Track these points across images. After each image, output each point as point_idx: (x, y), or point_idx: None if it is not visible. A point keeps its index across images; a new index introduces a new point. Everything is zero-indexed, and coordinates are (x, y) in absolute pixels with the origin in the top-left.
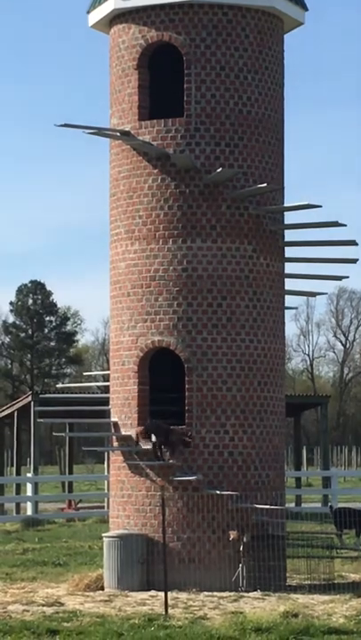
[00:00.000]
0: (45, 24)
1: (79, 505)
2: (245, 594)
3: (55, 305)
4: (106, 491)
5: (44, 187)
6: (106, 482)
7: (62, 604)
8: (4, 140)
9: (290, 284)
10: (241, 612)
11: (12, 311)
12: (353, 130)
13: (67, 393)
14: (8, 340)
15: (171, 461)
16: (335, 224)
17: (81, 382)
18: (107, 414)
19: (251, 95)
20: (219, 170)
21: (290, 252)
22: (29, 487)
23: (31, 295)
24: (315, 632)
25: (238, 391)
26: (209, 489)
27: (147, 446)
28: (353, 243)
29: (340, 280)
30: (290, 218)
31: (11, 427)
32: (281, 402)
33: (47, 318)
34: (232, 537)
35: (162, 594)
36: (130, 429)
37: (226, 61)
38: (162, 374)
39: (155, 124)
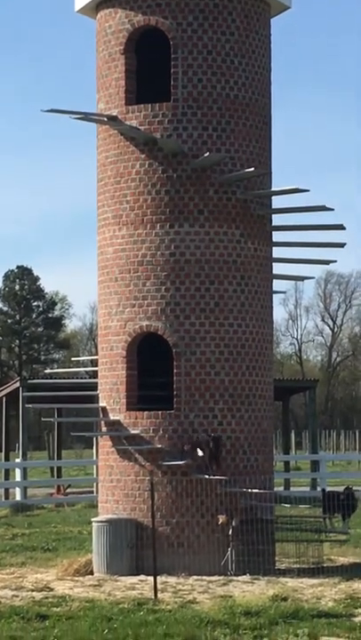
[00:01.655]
0: (32, 9)
1: (68, 490)
2: (234, 578)
3: (42, 290)
4: (95, 476)
5: (30, 172)
6: (95, 467)
7: (52, 589)
8: None
9: (278, 269)
10: (230, 596)
11: None
12: (341, 114)
13: (55, 378)
14: None
15: (219, 477)
16: (323, 208)
17: (69, 368)
18: (95, 399)
19: (238, 79)
20: (206, 154)
21: (278, 236)
22: (18, 472)
23: (18, 281)
24: (304, 615)
25: (227, 375)
26: (197, 473)
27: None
28: (341, 227)
29: (328, 264)
30: (277, 202)
31: None
32: (269, 386)
33: (34, 304)
34: (221, 521)
35: (151, 578)
36: (118, 414)
37: (213, 45)
38: (150, 359)
39: (142, 109)
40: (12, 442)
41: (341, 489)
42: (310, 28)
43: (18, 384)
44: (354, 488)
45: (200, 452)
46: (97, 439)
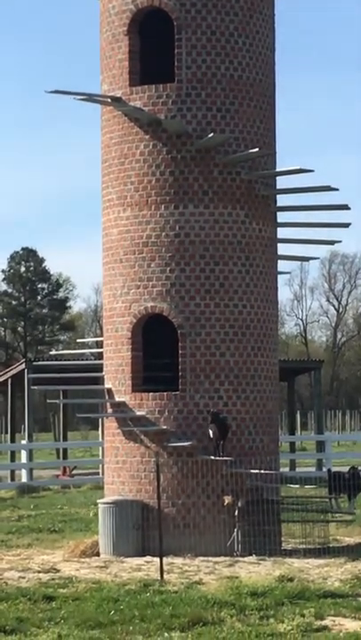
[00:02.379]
0: None
1: (74, 472)
2: (241, 558)
3: (47, 272)
4: (100, 457)
5: (34, 154)
6: (100, 448)
7: (58, 571)
8: None
9: (282, 249)
10: (236, 577)
11: (4, 279)
12: (345, 95)
13: (60, 360)
14: (0, 308)
15: (227, 458)
16: (327, 188)
17: (74, 349)
18: (100, 381)
19: (242, 60)
20: (210, 135)
21: (282, 216)
22: (24, 454)
23: (23, 262)
24: (310, 596)
25: (232, 356)
26: (203, 454)
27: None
28: (345, 207)
29: (333, 244)
30: (282, 183)
31: (5, 394)
32: (274, 367)
33: (39, 285)
34: (227, 502)
35: (157, 559)
36: (123, 396)
37: (216, 26)
38: (155, 340)
39: (146, 90)
40: (18, 423)
41: (347, 469)
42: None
43: (23, 366)
44: (360, 468)
45: (211, 434)
46: (102, 420)
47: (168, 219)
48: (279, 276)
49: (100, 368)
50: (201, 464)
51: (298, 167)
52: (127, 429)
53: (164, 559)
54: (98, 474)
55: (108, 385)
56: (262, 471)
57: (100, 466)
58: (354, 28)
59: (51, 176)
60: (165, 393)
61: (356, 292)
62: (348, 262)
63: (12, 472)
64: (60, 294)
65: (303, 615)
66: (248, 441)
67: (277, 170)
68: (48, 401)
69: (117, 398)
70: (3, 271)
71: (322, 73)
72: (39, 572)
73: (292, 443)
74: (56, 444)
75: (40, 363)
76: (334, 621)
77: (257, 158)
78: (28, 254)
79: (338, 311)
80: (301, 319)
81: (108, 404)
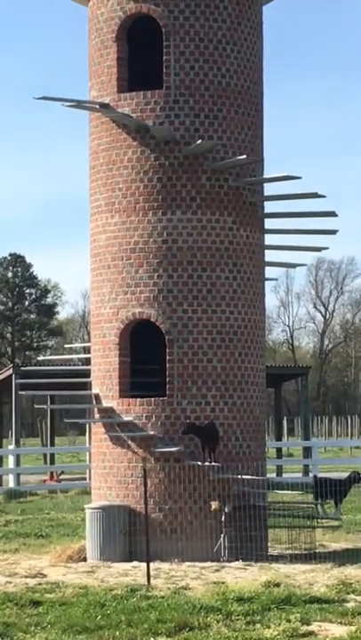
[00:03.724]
0: None
1: (61, 477)
2: (227, 564)
3: (35, 278)
4: (88, 462)
5: (23, 160)
6: (87, 453)
7: (45, 576)
8: None
9: (270, 256)
10: (223, 582)
11: None
12: (333, 101)
13: (48, 365)
14: None
15: (214, 463)
16: (315, 195)
17: (62, 355)
18: (88, 386)
19: (230, 67)
20: (198, 142)
21: (270, 223)
22: (11, 459)
23: (11, 268)
24: (296, 601)
25: (219, 362)
26: (190, 460)
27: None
28: (333, 214)
29: (320, 251)
30: (269, 189)
31: None
32: (261, 373)
33: (27, 291)
34: (213, 507)
35: (144, 564)
36: (111, 401)
37: (205, 33)
38: (143, 346)
39: (134, 97)
40: (6, 429)
41: (333, 475)
42: (303, 13)
43: (11, 371)
44: (346, 475)
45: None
46: (90, 426)
47: (156, 225)
48: (266, 282)
49: (87, 374)
50: (188, 469)
51: (285, 174)
52: (114, 435)
53: (151, 564)
54: (85, 479)
55: (95, 390)
56: (249, 477)
57: (88, 471)
58: (342, 34)
59: (39, 182)
60: (153, 399)
61: (342, 299)
62: (334, 269)
63: (0, 477)
64: (48, 300)
65: (289, 620)
66: (235, 447)
67: (265, 177)
68: (36, 406)
69: (105, 404)
70: None
71: (312, 80)
72: (26, 576)
73: (279, 448)
74: (43, 449)
75: (28, 368)
76: (320, 627)
77: (244, 165)
78: (16, 260)
79: (325, 318)
80: (288, 326)
81: (95, 410)
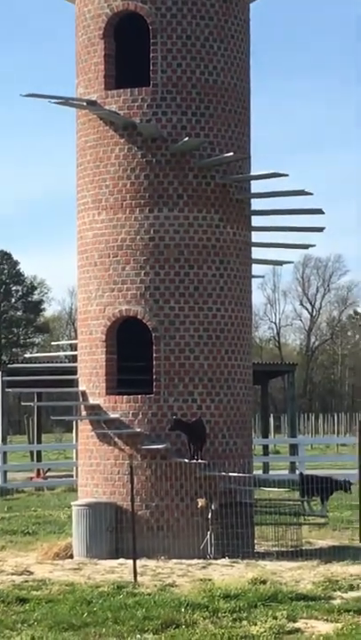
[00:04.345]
0: None
1: (48, 474)
2: (214, 561)
3: (22, 275)
4: (74, 459)
5: (9, 157)
6: (74, 451)
7: (31, 573)
8: None
9: (256, 253)
10: (209, 579)
11: None
12: (320, 100)
13: (35, 362)
14: None
15: (201, 461)
16: (302, 193)
17: (49, 352)
18: (75, 383)
19: (217, 64)
20: (185, 139)
21: (256, 220)
22: None
23: None
24: (283, 598)
25: (206, 359)
26: (177, 457)
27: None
28: (319, 211)
29: (307, 248)
30: (256, 187)
31: None
32: (248, 370)
33: (14, 288)
34: (200, 504)
35: (130, 562)
36: (98, 398)
37: (192, 30)
38: (130, 343)
39: (121, 94)
40: None
41: (319, 472)
42: (289, 12)
43: None
44: (332, 472)
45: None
46: (77, 423)
47: (143, 222)
48: (253, 279)
49: (74, 371)
50: (175, 467)
51: (272, 171)
52: (101, 432)
53: (138, 561)
54: (72, 476)
55: (82, 388)
56: (236, 474)
57: (74, 468)
58: (328, 33)
59: (26, 178)
60: (139, 396)
61: (329, 296)
62: (321, 266)
63: None
64: (35, 297)
65: (276, 617)
66: (222, 444)
67: (252, 174)
68: (22, 403)
69: (92, 401)
70: None
71: (298, 77)
72: (13, 574)
73: (266, 446)
74: (30, 446)
75: (14, 365)
76: (307, 624)
77: (231, 162)
78: (3, 257)
79: (311, 315)
80: (275, 323)
81: (82, 407)
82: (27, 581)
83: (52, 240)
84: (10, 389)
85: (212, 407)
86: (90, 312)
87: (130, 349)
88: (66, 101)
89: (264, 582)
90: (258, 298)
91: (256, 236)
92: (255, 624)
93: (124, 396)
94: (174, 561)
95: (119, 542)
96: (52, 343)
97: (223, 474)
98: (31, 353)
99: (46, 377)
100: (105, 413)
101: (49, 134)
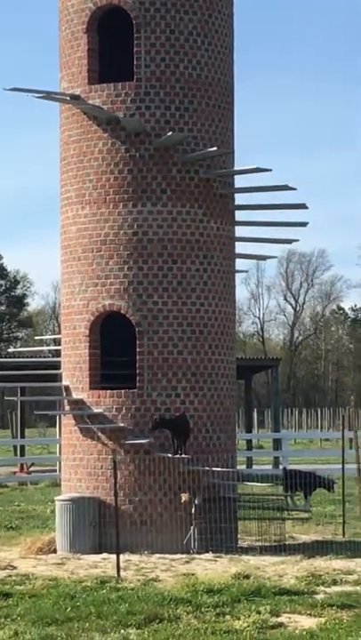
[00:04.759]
0: None
1: (31, 468)
2: (197, 556)
3: (5, 269)
4: (58, 454)
5: None
6: (58, 445)
7: (15, 568)
8: None
9: (240, 248)
10: (193, 574)
11: None
12: (303, 96)
13: (18, 357)
14: None
15: (184, 456)
16: (285, 188)
17: (32, 346)
18: (58, 378)
19: (200, 59)
20: (169, 134)
21: (240, 215)
22: None
23: None
24: (266, 593)
25: (189, 354)
26: (160, 452)
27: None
28: (303, 206)
29: (291, 243)
30: (240, 181)
31: None
32: (232, 365)
33: None
34: (183, 499)
35: (114, 556)
36: (81, 393)
37: (175, 25)
38: (113, 338)
39: (105, 88)
40: None
41: (303, 467)
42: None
43: None
44: (316, 467)
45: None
46: (60, 418)
47: (126, 217)
48: (236, 274)
49: (57, 365)
50: (158, 461)
51: (255, 166)
52: (85, 427)
53: (121, 556)
54: (55, 471)
55: (65, 382)
56: (219, 469)
57: (58, 463)
58: (314, 29)
59: (8, 173)
60: (123, 390)
61: (313, 291)
62: (305, 261)
63: None
64: (18, 291)
65: (259, 612)
66: (205, 438)
67: (235, 169)
68: (6, 398)
69: (75, 396)
70: None
71: (280, 73)
72: None
73: (249, 440)
74: (13, 440)
75: None
76: (290, 618)
77: (215, 157)
78: None
79: (295, 310)
80: (259, 318)
81: (65, 402)
82: (10, 576)
83: (36, 234)
84: None
85: (196, 402)
86: (73, 307)
87: (114, 344)
88: (49, 96)
89: (247, 577)
90: (242, 292)
91: (240, 231)
92: (238, 619)
93: (108, 391)
94: (157, 556)
95: (102, 537)
96: (36, 338)
97: (207, 468)
98: (14, 347)
99: (30, 371)
100: (88, 408)
101: (33, 128)
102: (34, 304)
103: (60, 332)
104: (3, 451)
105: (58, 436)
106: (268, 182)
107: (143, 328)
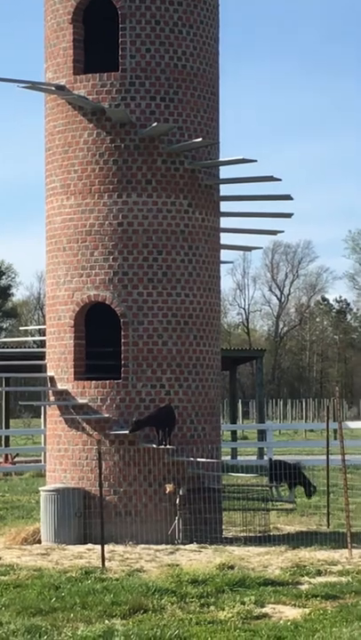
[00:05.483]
0: None
1: (16, 459)
2: (182, 546)
3: None
4: (42, 445)
5: None
6: (42, 436)
7: None
8: None
9: (225, 239)
10: (177, 565)
11: None
12: (290, 85)
13: (2, 347)
14: None
15: (169, 446)
16: (270, 178)
17: (17, 337)
18: (43, 369)
19: (186, 49)
20: (154, 124)
21: (225, 206)
22: None
23: None
24: (250, 583)
25: (174, 345)
26: (145, 442)
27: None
28: (288, 197)
29: (276, 234)
30: (225, 172)
31: None
32: (216, 355)
33: None
34: (168, 490)
35: (98, 547)
36: (66, 384)
37: (161, 15)
38: (98, 329)
39: (90, 79)
40: None
41: (288, 458)
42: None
43: None
44: (300, 458)
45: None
46: (45, 408)
47: (111, 207)
48: (222, 265)
49: (42, 356)
50: (143, 452)
51: (241, 157)
52: (69, 417)
53: (106, 547)
54: (40, 461)
55: (50, 373)
56: (204, 459)
57: (43, 453)
58: (302, 18)
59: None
60: (108, 381)
61: (298, 282)
62: (290, 252)
63: None
64: (3, 282)
65: (244, 603)
66: (190, 429)
67: (221, 159)
68: None
69: (60, 386)
70: None
71: (265, 62)
72: None
73: (234, 431)
74: None
75: None
76: (274, 609)
77: (200, 148)
78: None
79: (280, 301)
80: (244, 308)
81: (50, 392)
82: None
83: (20, 225)
84: None
85: (181, 393)
86: (58, 297)
87: (98, 335)
88: (34, 86)
89: (232, 567)
90: (227, 283)
91: (225, 222)
92: (223, 609)
93: (93, 382)
94: (142, 546)
95: (87, 527)
96: (21, 328)
97: (191, 459)
98: None
99: (14, 362)
100: (73, 399)
101: (18, 118)
102: (18, 294)
103: (44, 323)
104: None
105: (43, 427)
106: (254, 173)
107: (128, 319)
